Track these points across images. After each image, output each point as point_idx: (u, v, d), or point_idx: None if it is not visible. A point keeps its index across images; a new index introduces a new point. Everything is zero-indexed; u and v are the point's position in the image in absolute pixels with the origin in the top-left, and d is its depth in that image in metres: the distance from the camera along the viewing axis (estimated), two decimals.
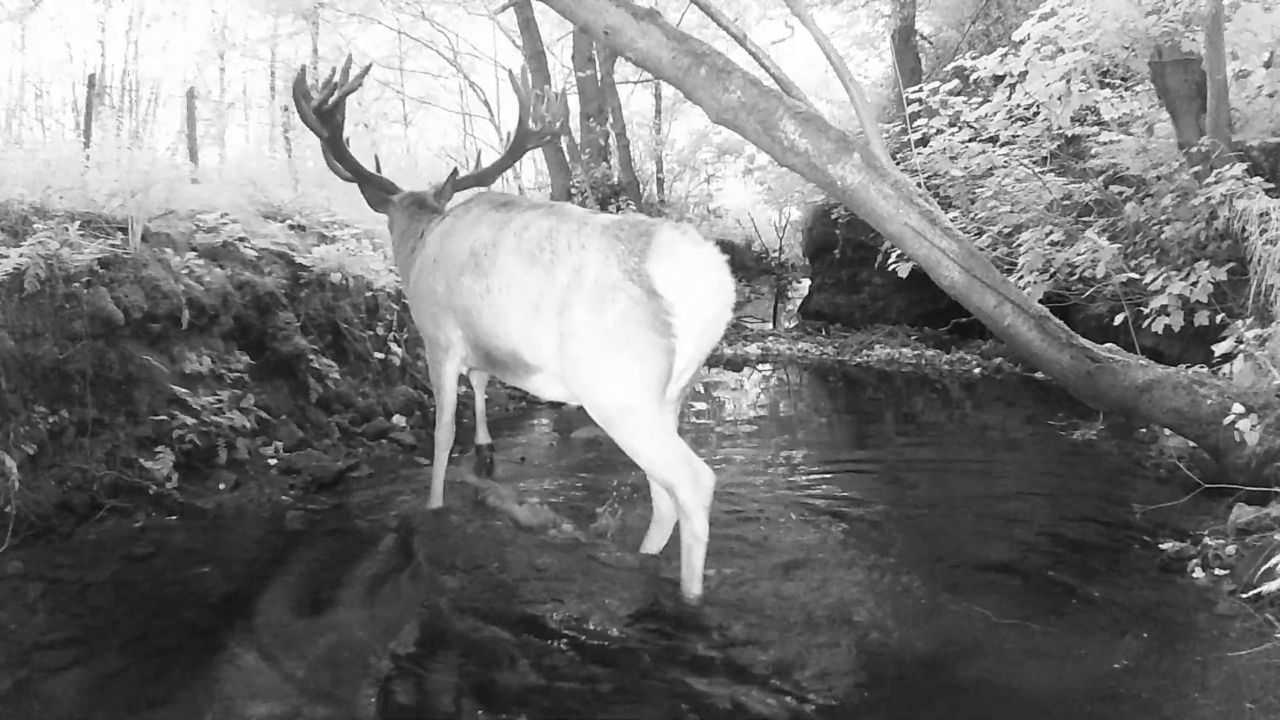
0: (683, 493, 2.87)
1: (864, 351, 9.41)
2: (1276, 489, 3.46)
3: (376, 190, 4.31)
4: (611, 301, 2.84)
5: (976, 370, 8.28)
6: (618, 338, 2.83)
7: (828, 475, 4.72)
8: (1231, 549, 3.26)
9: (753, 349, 9.91)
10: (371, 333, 5.79)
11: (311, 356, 5.06)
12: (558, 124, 4.32)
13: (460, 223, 3.68)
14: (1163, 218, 5.64)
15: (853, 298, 11.84)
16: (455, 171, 4.26)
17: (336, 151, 4.12)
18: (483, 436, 4.41)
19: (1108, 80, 6.96)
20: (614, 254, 2.89)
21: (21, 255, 3.69)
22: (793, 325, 12.11)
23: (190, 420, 4.09)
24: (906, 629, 2.86)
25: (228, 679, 2.53)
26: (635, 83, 16.93)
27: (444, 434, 3.95)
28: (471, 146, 18.56)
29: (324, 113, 3.91)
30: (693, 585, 2.97)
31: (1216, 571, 3.19)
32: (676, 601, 3.00)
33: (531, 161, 16.33)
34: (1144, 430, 5.18)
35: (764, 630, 2.85)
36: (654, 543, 3.35)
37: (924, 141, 7.46)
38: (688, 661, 2.64)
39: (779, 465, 5.02)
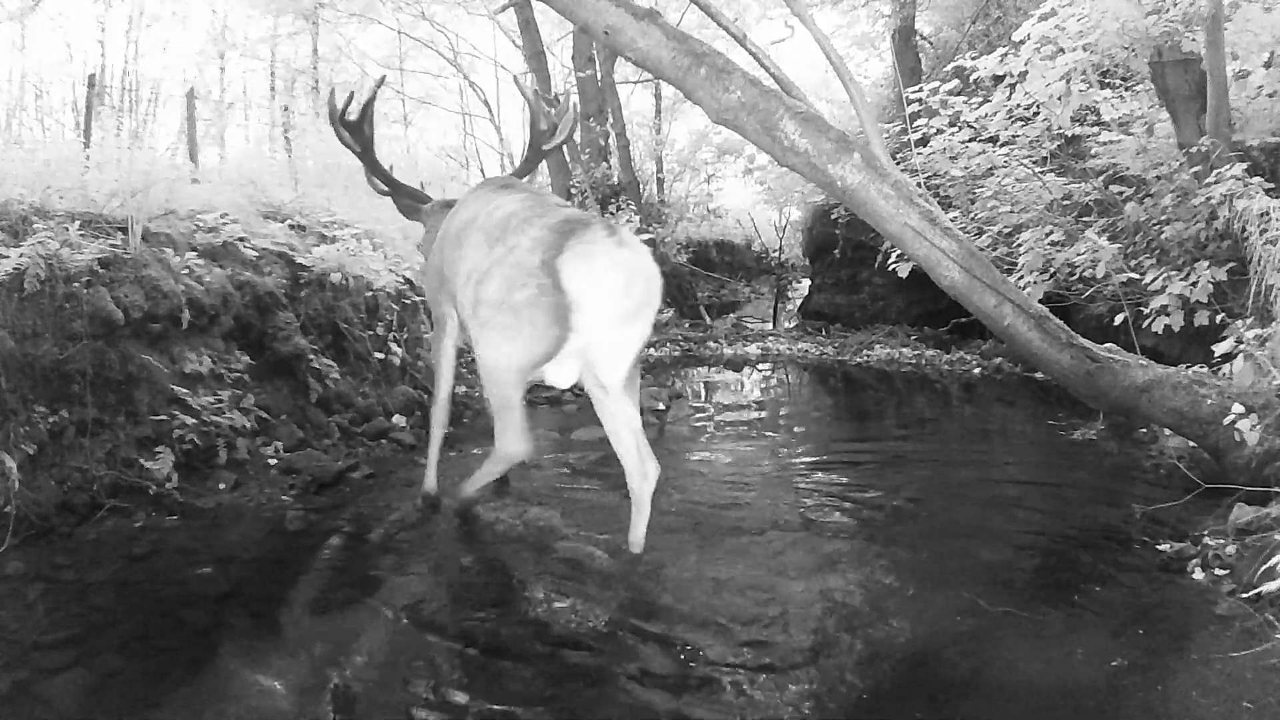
0: (499, 441, 3.36)
1: (864, 351, 9.39)
2: (1276, 489, 3.45)
3: (409, 201, 4.50)
4: (523, 285, 3.12)
5: (976, 370, 8.27)
6: (522, 316, 3.13)
7: (826, 470, 4.72)
8: (1231, 549, 3.26)
9: (753, 349, 9.89)
10: (371, 333, 5.78)
11: (311, 356, 5.05)
12: (570, 127, 4.41)
13: (462, 203, 3.94)
14: (1163, 218, 5.63)
15: (853, 298, 11.81)
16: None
17: (370, 164, 4.30)
18: None
19: (1108, 80, 6.96)
20: (541, 244, 3.14)
21: (21, 255, 3.69)
22: (793, 325, 12.07)
23: (190, 420, 4.09)
24: (903, 623, 2.87)
25: (228, 679, 2.53)
26: (635, 83, 16.91)
27: (439, 411, 4.11)
28: (471, 146, 18.61)
29: (351, 126, 4.09)
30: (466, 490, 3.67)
31: (1216, 571, 3.19)
32: (667, 595, 3.03)
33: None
34: (1144, 430, 5.18)
35: (756, 621, 2.86)
36: (637, 531, 3.43)
37: (924, 141, 7.45)
38: (680, 656, 2.64)
39: (777, 458, 5.04)
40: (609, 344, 3.20)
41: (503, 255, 3.23)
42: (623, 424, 3.40)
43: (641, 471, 3.40)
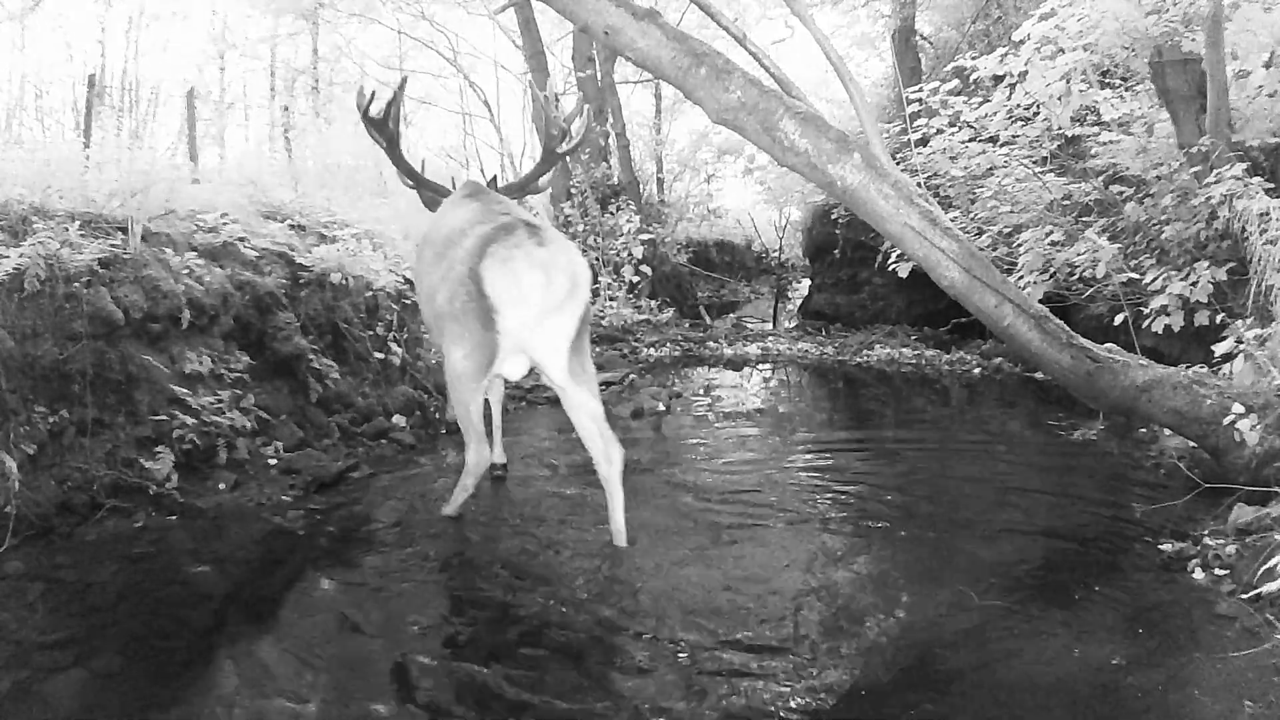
0: (468, 452, 3.64)
1: (864, 351, 9.38)
2: (1276, 489, 3.46)
3: (432, 194, 4.65)
4: (457, 295, 3.39)
5: (976, 370, 8.27)
6: (462, 322, 3.40)
7: (826, 466, 4.71)
8: (1231, 549, 3.26)
9: (753, 349, 9.88)
10: (371, 333, 5.78)
11: (311, 356, 5.05)
12: (583, 131, 4.60)
13: (435, 216, 4.22)
14: (1163, 218, 5.63)
15: (853, 298, 11.82)
16: (494, 178, 4.72)
17: (395, 158, 4.49)
18: (498, 455, 4.48)
19: (1108, 80, 6.96)
20: (470, 254, 3.38)
21: (21, 255, 3.68)
22: (793, 325, 12.06)
23: (190, 420, 4.09)
24: (901, 620, 2.87)
25: (228, 679, 2.53)
26: (635, 83, 16.92)
27: None
28: (471, 146, 18.60)
29: (377, 122, 4.30)
30: (447, 510, 3.83)
31: (1216, 571, 3.19)
32: (659, 591, 3.04)
33: (533, 162, 16.30)
34: (1144, 430, 5.18)
35: (751, 616, 2.86)
36: (615, 519, 3.52)
37: (924, 141, 7.46)
38: (667, 654, 2.64)
39: (777, 455, 5.04)
40: (537, 339, 3.39)
41: (445, 271, 3.51)
42: (584, 413, 3.54)
43: (606, 456, 3.52)
